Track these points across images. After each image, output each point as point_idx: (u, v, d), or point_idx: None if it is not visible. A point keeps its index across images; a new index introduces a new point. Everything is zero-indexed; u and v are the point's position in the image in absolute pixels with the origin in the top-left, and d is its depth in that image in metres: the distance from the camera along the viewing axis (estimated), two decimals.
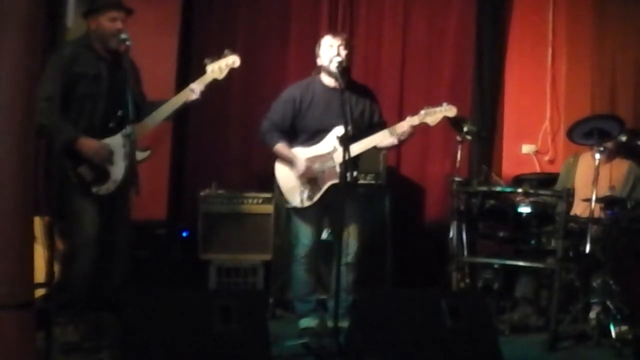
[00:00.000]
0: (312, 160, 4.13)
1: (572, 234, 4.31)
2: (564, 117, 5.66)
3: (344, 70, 4.08)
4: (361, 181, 4.83)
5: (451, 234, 4.63)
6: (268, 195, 4.86)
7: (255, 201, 4.94)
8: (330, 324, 3.73)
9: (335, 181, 4.05)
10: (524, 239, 4.46)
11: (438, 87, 5.63)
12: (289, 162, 4.15)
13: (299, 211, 4.16)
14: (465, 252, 4.65)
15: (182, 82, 4.72)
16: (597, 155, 4.16)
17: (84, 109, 3.79)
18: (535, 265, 4.44)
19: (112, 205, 3.85)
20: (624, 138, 4.65)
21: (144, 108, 3.92)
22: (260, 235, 4.90)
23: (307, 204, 4.12)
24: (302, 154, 4.15)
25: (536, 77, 5.80)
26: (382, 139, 4.11)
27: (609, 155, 4.63)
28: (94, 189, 3.77)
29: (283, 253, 4.68)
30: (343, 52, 4.11)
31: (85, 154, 3.74)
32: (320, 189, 4.11)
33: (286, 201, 4.20)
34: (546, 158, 5.78)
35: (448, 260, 4.65)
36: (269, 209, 4.90)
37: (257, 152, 5.04)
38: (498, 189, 4.69)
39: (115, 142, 3.78)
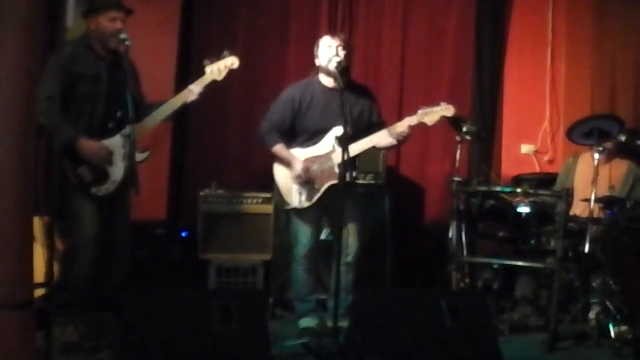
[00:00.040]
0: (310, 161, 4.13)
1: (572, 234, 4.31)
2: (564, 117, 5.66)
3: (344, 70, 4.08)
4: (361, 181, 4.83)
5: (451, 234, 4.63)
6: (268, 195, 4.86)
7: (255, 201, 4.94)
8: (330, 324, 3.73)
9: (334, 182, 4.05)
10: (524, 239, 4.46)
11: (438, 87, 5.63)
12: (288, 163, 4.15)
13: (298, 212, 4.17)
14: (465, 252, 4.65)
15: (182, 82, 4.73)
16: (597, 156, 4.16)
17: (83, 109, 3.79)
18: (535, 265, 4.44)
19: (111, 206, 3.85)
20: (623, 138, 4.66)
21: (143, 109, 3.92)
22: (260, 235, 4.90)
23: (306, 205, 4.12)
24: (300, 155, 4.15)
25: (536, 77, 5.80)
26: (381, 139, 4.11)
27: (609, 156, 4.63)
28: (94, 190, 3.77)
29: (283, 253, 4.68)
30: (342, 53, 4.11)
31: (84, 155, 3.74)
32: (319, 189, 4.11)
33: (285, 202, 4.20)
34: (546, 158, 5.78)
35: (448, 260, 4.65)
36: (269, 209, 4.90)
37: (257, 152, 5.04)
38: (498, 189, 4.69)
39: (115, 142, 3.79)
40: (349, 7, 5.55)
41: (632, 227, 4.21)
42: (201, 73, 4.01)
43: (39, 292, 3.02)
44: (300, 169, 4.10)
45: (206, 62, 4.00)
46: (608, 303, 3.99)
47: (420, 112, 4.07)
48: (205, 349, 3.02)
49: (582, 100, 5.68)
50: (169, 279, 4.80)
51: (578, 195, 4.68)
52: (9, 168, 2.47)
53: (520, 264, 4.48)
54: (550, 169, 5.63)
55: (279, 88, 4.52)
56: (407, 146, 5.02)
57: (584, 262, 4.22)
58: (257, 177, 5.16)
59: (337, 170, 4.06)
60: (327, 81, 4.19)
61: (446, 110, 4.09)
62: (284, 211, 4.45)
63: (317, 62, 4.21)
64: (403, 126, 4.07)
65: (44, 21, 2.64)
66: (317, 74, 4.24)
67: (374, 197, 4.95)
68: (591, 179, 4.15)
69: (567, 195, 4.31)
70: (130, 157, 3.68)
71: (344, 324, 3.59)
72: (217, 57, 4.01)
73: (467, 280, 4.63)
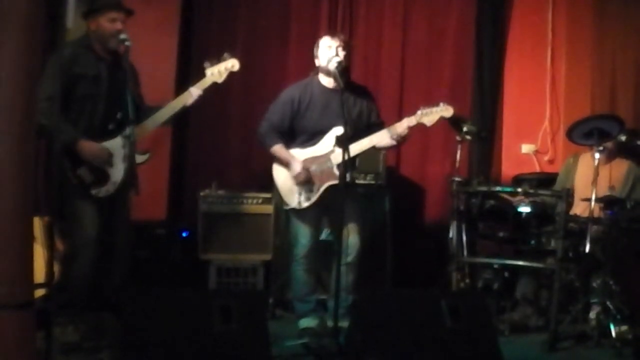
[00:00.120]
0: (309, 161, 4.13)
1: (572, 234, 4.31)
2: (564, 117, 5.66)
3: (343, 70, 4.08)
4: (361, 181, 4.84)
5: (451, 234, 4.63)
6: (268, 195, 4.86)
7: (255, 201, 4.94)
8: (330, 324, 3.73)
9: (333, 182, 4.06)
10: (524, 239, 4.46)
11: (438, 87, 5.63)
12: (286, 164, 4.15)
13: (298, 212, 4.17)
14: (465, 252, 4.65)
15: (182, 82, 4.73)
16: (597, 155, 4.16)
17: (83, 109, 3.80)
18: (535, 265, 4.43)
19: (112, 207, 3.85)
20: (623, 138, 4.65)
21: (142, 110, 3.92)
22: (260, 235, 4.90)
23: (304, 205, 4.12)
24: (299, 155, 4.15)
25: (536, 77, 5.80)
26: (381, 139, 4.11)
27: (609, 155, 4.63)
28: (94, 191, 3.77)
29: (283, 253, 4.68)
30: (341, 53, 4.11)
31: (84, 157, 3.74)
32: (318, 190, 4.11)
33: (284, 202, 4.20)
34: (546, 158, 5.78)
35: (448, 260, 4.65)
36: (269, 209, 4.90)
37: (257, 152, 5.03)
38: (498, 188, 4.69)
39: (115, 144, 3.79)
40: (349, 7, 5.55)
41: (632, 227, 4.21)
42: (201, 73, 4.01)
43: (39, 292, 3.02)
44: (298, 169, 4.10)
45: (206, 64, 4.00)
46: (608, 303, 3.99)
47: (419, 112, 4.08)
48: (205, 349, 3.02)
49: (582, 100, 5.68)
50: (169, 279, 4.80)
51: (578, 195, 4.68)
52: (9, 168, 2.47)
53: (520, 264, 4.48)
54: (550, 169, 5.63)
55: (279, 88, 4.52)
56: (407, 146, 5.03)
57: (584, 262, 4.22)
58: (257, 177, 5.16)
59: (335, 170, 4.06)
60: (327, 81, 4.19)
61: (445, 110, 4.09)
62: (284, 211, 4.45)
63: (317, 62, 4.21)
64: (402, 126, 4.07)
65: (44, 21, 2.63)
66: (317, 74, 4.24)
67: (374, 197, 4.95)
68: (591, 179, 4.15)
69: (567, 195, 4.31)
70: (130, 158, 3.69)
71: (344, 324, 3.59)
72: (217, 58, 4.01)
73: (467, 280, 4.63)
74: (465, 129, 4.63)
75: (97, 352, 3.43)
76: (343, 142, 3.75)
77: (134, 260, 4.23)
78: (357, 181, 4.57)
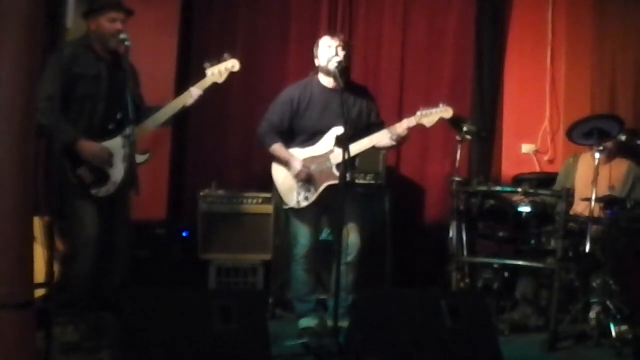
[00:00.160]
0: (309, 161, 4.13)
1: (572, 234, 4.31)
2: (564, 117, 5.66)
3: (343, 70, 4.08)
4: (361, 181, 4.84)
5: (451, 234, 4.63)
6: (268, 195, 4.86)
7: (255, 201, 4.94)
8: (330, 323, 3.73)
9: (332, 182, 4.06)
10: (524, 239, 4.46)
11: (438, 87, 5.63)
12: (286, 163, 4.15)
13: (297, 212, 4.17)
14: (465, 252, 4.65)
15: (182, 82, 4.73)
16: (597, 155, 4.16)
17: (83, 109, 3.80)
18: (535, 265, 4.43)
19: (112, 207, 3.85)
20: (623, 138, 4.65)
21: (142, 110, 3.92)
22: (260, 235, 4.91)
23: (303, 204, 4.12)
24: (299, 155, 4.15)
25: (536, 77, 5.80)
26: (381, 139, 4.11)
27: (609, 155, 4.63)
28: (94, 192, 3.77)
29: (283, 253, 4.68)
30: (341, 53, 4.11)
31: (85, 157, 3.74)
32: (317, 190, 4.11)
33: (283, 202, 4.20)
34: (546, 158, 5.78)
35: (448, 260, 4.65)
36: (269, 209, 4.90)
37: (257, 152, 5.04)
38: (498, 188, 4.69)
39: (115, 144, 3.79)
40: (349, 7, 5.56)
41: (632, 227, 4.21)
42: (201, 73, 4.01)
43: (39, 292, 3.02)
44: (299, 167, 4.10)
45: (207, 64, 4.01)
46: (608, 303, 3.99)
47: (418, 113, 4.07)
48: (205, 349, 3.02)
49: (582, 100, 5.68)
50: (169, 279, 4.80)
51: (578, 195, 4.68)
52: (9, 168, 2.46)
53: (520, 264, 4.47)
54: (550, 169, 5.64)
55: (279, 88, 4.52)
56: (407, 146, 5.03)
57: (584, 262, 4.22)
58: (257, 177, 5.17)
59: (335, 170, 4.07)
60: (327, 81, 4.19)
61: (445, 112, 4.08)
62: (283, 211, 4.45)
63: (317, 62, 4.21)
64: (402, 127, 4.07)
65: (44, 21, 2.63)
66: (316, 74, 4.24)
67: (374, 197, 4.95)
68: (591, 178, 4.15)
69: (567, 195, 4.31)
70: (130, 158, 3.69)
71: (344, 323, 3.59)
72: (218, 59, 4.01)
73: (467, 280, 4.63)
74: (465, 129, 4.63)
75: (97, 352, 3.43)
76: (343, 142, 3.74)
77: (134, 260, 4.24)
78: (357, 181, 4.57)
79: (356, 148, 4.03)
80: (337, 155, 4.04)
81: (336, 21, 5.51)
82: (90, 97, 3.79)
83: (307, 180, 4.11)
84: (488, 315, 3.62)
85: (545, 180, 5.15)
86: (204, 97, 3.99)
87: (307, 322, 4.17)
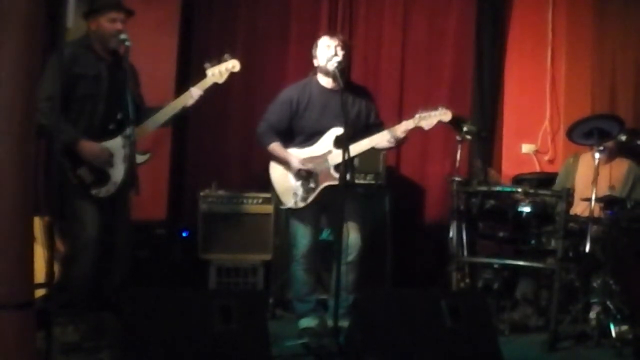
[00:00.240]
0: (307, 161, 4.13)
1: (572, 234, 4.31)
2: (564, 117, 5.66)
3: (342, 70, 4.08)
4: (361, 181, 4.85)
5: (451, 234, 4.63)
6: (268, 195, 4.85)
7: (255, 201, 4.94)
8: (330, 323, 3.73)
9: (330, 183, 4.06)
10: (524, 239, 4.46)
11: (438, 87, 5.63)
12: (284, 162, 4.15)
13: (295, 212, 4.17)
14: (465, 252, 4.65)
15: (182, 82, 4.73)
16: (597, 155, 4.16)
17: (84, 109, 3.80)
18: (535, 265, 4.43)
19: (112, 207, 3.85)
20: (623, 138, 4.66)
21: (142, 110, 3.92)
22: (260, 235, 4.90)
23: (300, 204, 4.12)
24: (297, 155, 4.15)
25: (536, 77, 5.80)
26: (381, 139, 4.11)
27: (609, 155, 4.63)
28: (94, 192, 3.78)
29: (283, 253, 4.68)
30: (340, 52, 4.11)
31: (85, 157, 3.74)
32: (314, 190, 4.11)
33: (281, 202, 4.21)
34: (546, 158, 5.78)
35: (448, 260, 4.65)
36: (269, 209, 4.90)
37: (257, 152, 5.02)
38: (498, 188, 4.69)
39: (115, 144, 3.79)
40: (349, 7, 5.56)
41: (632, 227, 4.21)
42: (201, 73, 4.01)
43: (39, 292, 3.03)
44: (298, 165, 4.10)
45: (207, 64, 4.01)
46: (608, 303, 3.99)
47: (417, 116, 4.07)
48: (205, 349, 3.02)
49: (582, 100, 5.68)
50: (169, 279, 4.80)
51: (578, 195, 4.68)
52: (9, 168, 2.46)
53: (520, 264, 4.47)
54: (550, 169, 5.64)
55: (278, 88, 4.52)
56: (407, 146, 5.03)
57: (584, 262, 4.22)
58: (257, 177, 5.15)
59: (332, 171, 4.07)
60: (325, 81, 4.19)
61: (443, 114, 4.07)
62: (283, 211, 4.45)
63: (315, 63, 4.21)
64: (400, 130, 4.07)
65: (44, 21, 2.63)
66: (315, 74, 4.24)
67: (373, 197, 4.95)
68: (591, 178, 4.15)
69: (568, 195, 4.31)
70: (130, 158, 3.69)
71: (344, 323, 3.59)
72: (218, 59, 4.01)
73: (467, 280, 4.63)
74: (465, 129, 4.63)
75: (97, 352, 3.43)
76: (343, 142, 3.74)
77: (134, 260, 4.24)
78: (357, 181, 4.57)
79: (356, 149, 4.03)
80: (335, 156, 4.05)
81: (336, 21, 5.51)
82: (90, 97, 3.79)
83: (307, 177, 4.10)
84: (488, 315, 3.62)
85: (545, 180, 5.15)
86: (204, 98, 3.99)
87: (307, 322, 4.17)
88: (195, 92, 3.95)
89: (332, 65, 4.04)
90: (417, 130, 4.13)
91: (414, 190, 5.60)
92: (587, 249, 4.09)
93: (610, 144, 4.51)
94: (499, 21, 5.73)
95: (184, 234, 5.11)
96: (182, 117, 4.64)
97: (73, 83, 3.73)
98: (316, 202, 4.12)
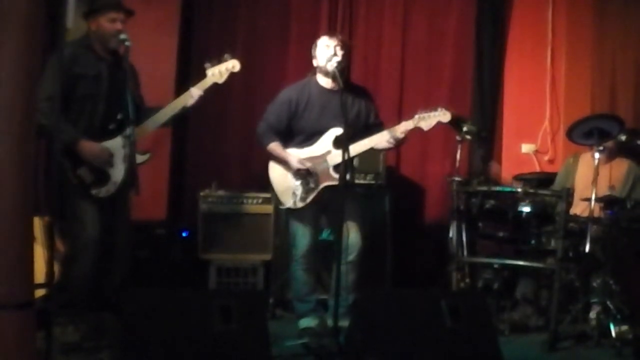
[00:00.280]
0: (305, 161, 4.13)
1: (572, 234, 4.31)
2: (564, 117, 5.66)
3: (342, 70, 4.08)
4: (361, 181, 4.84)
5: (451, 234, 4.63)
6: (268, 195, 4.85)
7: (255, 201, 4.94)
8: (330, 323, 3.73)
9: (329, 183, 4.06)
10: (524, 239, 4.46)
11: (438, 88, 5.63)
12: (282, 162, 4.15)
13: (295, 212, 4.17)
14: (465, 252, 4.66)
15: (182, 82, 4.73)
16: (597, 155, 4.16)
17: (84, 109, 3.80)
18: (535, 265, 4.43)
19: (112, 207, 3.85)
20: (623, 138, 4.66)
21: (142, 110, 3.92)
22: (260, 235, 4.91)
23: (299, 205, 4.12)
24: (296, 155, 4.15)
25: (536, 77, 5.80)
26: (380, 140, 4.10)
27: (609, 155, 4.63)
28: (94, 191, 3.77)
29: (283, 253, 4.68)
30: (340, 52, 4.11)
31: (85, 157, 3.74)
32: (313, 190, 4.11)
33: (280, 202, 4.21)
34: (546, 158, 5.78)
35: (448, 260, 4.65)
36: (269, 209, 4.90)
37: (257, 152, 5.02)
38: (498, 188, 4.69)
39: (115, 144, 3.79)
40: (349, 7, 5.55)
41: (632, 227, 4.21)
42: (201, 73, 4.01)
43: (39, 292, 3.02)
44: (297, 164, 4.10)
45: (207, 64, 4.00)
46: (608, 303, 3.99)
47: (416, 116, 4.07)
48: (205, 349, 3.02)
49: (582, 100, 5.68)
50: (169, 279, 4.80)
51: (578, 195, 4.67)
52: (9, 168, 2.46)
53: (520, 263, 4.47)
54: (550, 169, 5.63)
55: (278, 88, 4.52)
56: (407, 146, 5.02)
57: (584, 262, 4.22)
58: (257, 177, 5.14)
59: (332, 171, 4.07)
60: (325, 82, 4.19)
61: (443, 115, 4.07)
62: (283, 211, 4.46)
63: (315, 63, 4.21)
64: (399, 130, 4.07)
65: (44, 21, 2.63)
66: (315, 74, 4.24)
67: (373, 197, 4.95)
68: (591, 178, 4.15)
69: (567, 195, 4.31)
70: (130, 158, 3.69)
71: (345, 323, 3.58)
72: (218, 59, 4.01)
73: (467, 280, 4.63)
74: (465, 128, 4.63)
75: (97, 352, 3.43)
76: (343, 142, 3.74)
77: (134, 260, 4.23)
78: (357, 181, 4.57)
79: (356, 149, 4.03)
80: (334, 156, 4.05)
81: (336, 21, 5.51)
82: (90, 97, 3.79)
83: (307, 177, 4.10)
84: (488, 315, 3.62)
85: (545, 180, 5.15)
86: (204, 98, 3.99)
87: (307, 322, 4.17)
88: (195, 93, 3.95)
89: (331, 65, 4.04)
90: (417, 130, 4.13)
91: (414, 190, 5.60)
92: (587, 249, 4.09)
93: (610, 144, 4.51)
94: (499, 21, 5.73)
95: (184, 234, 5.11)
96: (182, 117, 4.64)
97: (73, 83, 3.73)
98: (315, 202, 4.12)
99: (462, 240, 4.64)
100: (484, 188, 4.59)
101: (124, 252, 3.94)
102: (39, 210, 3.55)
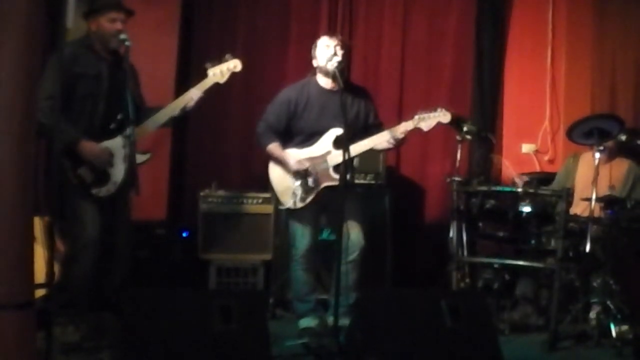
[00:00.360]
0: (305, 161, 4.13)
1: (572, 234, 4.31)
2: (564, 117, 5.66)
3: (342, 70, 4.08)
4: (361, 181, 4.85)
5: (451, 234, 4.63)
6: (268, 195, 4.85)
7: (255, 201, 4.94)
8: (331, 322, 3.73)
9: (329, 183, 4.06)
10: (524, 238, 4.46)
11: (438, 88, 5.63)
12: (282, 162, 4.15)
13: (294, 212, 4.17)
14: (465, 252, 4.65)
15: (182, 82, 4.73)
16: (597, 155, 4.16)
17: (84, 109, 3.80)
18: (535, 265, 4.43)
19: (112, 207, 3.85)
20: (623, 138, 4.66)
21: (142, 110, 3.92)
22: (260, 235, 4.91)
23: (299, 205, 4.12)
24: (296, 155, 4.15)
25: (536, 77, 5.80)
26: (380, 140, 4.10)
27: (609, 155, 4.63)
28: (94, 191, 3.77)
29: (283, 253, 4.68)
30: (340, 52, 4.11)
31: (85, 157, 3.74)
32: (313, 190, 4.11)
33: (280, 202, 4.21)
34: (546, 158, 5.78)
35: (448, 260, 4.65)
36: (269, 209, 4.90)
37: (257, 152, 5.01)
38: (498, 188, 4.69)
39: (116, 144, 3.79)
40: (349, 7, 5.55)
41: (632, 226, 4.21)
42: (201, 73, 4.01)
43: (39, 292, 3.03)
44: (295, 165, 4.10)
45: (208, 64, 4.00)
46: (608, 302, 4.00)
47: (416, 117, 4.07)
48: (205, 349, 3.02)
49: (582, 100, 5.68)
50: (169, 279, 4.80)
51: (578, 194, 4.68)
52: (9, 168, 2.47)
53: (520, 263, 4.47)
54: (550, 169, 5.63)
55: (278, 88, 4.52)
56: (407, 146, 5.02)
57: (584, 262, 4.22)
58: (257, 177, 5.15)
59: (331, 171, 4.08)
60: (324, 82, 4.19)
61: (442, 116, 4.07)
62: (283, 211, 4.46)
63: (314, 63, 4.21)
64: (399, 131, 4.07)
65: (44, 21, 2.64)
66: (314, 74, 4.24)
67: (373, 197, 4.95)
68: (591, 178, 4.15)
69: (567, 195, 4.31)
70: (130, 158, 3.69)
71: (345, 322, 3.58)
72: (219, 59, 4.01)
73: (467, 280, 4.63)
74: (465, 128, 4.62)
75: (97, 352, 3.43)
76: (343, 142, 3.74)
77: (134, 260, 4.23)
78: (357, 181, 4.57)
79: (355, 149, 4.03)
80: (334, 157, 4.05)
81: (336, 21, 5.51)
82: (90, 97, 3.79)
83: (306, 177, 4.10)
84: (488, 315, 3.62)
85: (545, 180, 5.14)
86: (204, 98, 3.99)
87: (307, 322, 4.17)
88: (195, 93, 3.95)
89: (331, 65, 4.04)
90: (417, 130, 4.13)
91: (414, 190, 5.60)
92: (587, 248, 4.09)
93: (610, 143, 4.52)
94: (499, 21, 5.72)
95: (184, 234, 5.11)
96: (182, 117, 4.65)
97: (73, 83, 3.73)
98: (315, 202, 4.12)
99: (462, 240, 4.64)
100: (484, 188, 4.59)
101: (124, 252, 3.94)
102: (39, 210, 3.55)
